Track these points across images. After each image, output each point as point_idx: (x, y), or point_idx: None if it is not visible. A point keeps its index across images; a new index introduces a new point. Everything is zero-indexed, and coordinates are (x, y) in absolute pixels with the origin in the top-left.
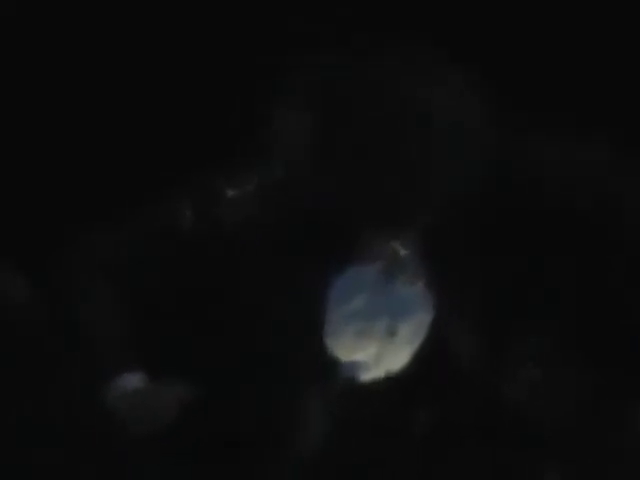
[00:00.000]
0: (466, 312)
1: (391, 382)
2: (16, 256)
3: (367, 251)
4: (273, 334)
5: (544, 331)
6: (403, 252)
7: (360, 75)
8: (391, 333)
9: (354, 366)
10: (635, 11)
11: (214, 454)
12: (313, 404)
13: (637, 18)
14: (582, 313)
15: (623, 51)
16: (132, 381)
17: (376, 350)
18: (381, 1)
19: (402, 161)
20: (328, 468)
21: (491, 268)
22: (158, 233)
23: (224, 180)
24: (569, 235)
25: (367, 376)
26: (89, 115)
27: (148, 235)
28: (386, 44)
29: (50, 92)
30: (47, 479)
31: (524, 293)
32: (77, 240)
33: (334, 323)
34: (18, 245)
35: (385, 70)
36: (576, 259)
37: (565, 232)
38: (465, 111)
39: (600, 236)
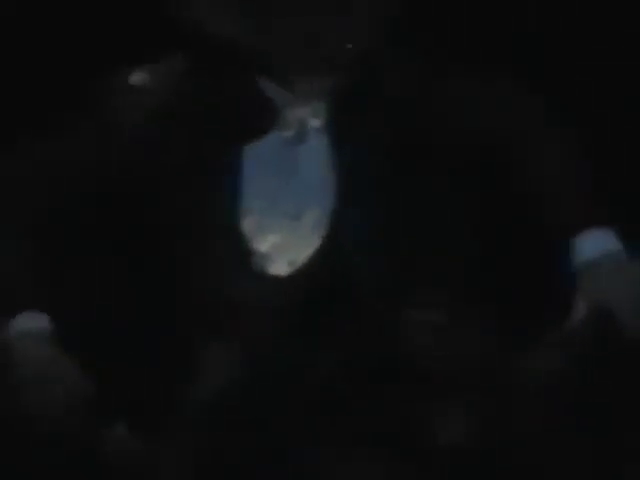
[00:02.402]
0: (367, 216)
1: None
2: None
3: (276, 120)
4: (189, 222)
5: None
6: (312, 122)
7: None
8: (296, 217)
9: (262, 257)
10: None
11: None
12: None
13: None
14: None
15: None
16: (31, 322)
17: (280, 237)
18: None
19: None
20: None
21: (401, 178)
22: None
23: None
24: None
25: (272, 269)
26: None
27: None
28: None
29: None
30: None
31: (431, 223)
32: None
33: (245, 202)
34: None
35: None
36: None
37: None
38: None
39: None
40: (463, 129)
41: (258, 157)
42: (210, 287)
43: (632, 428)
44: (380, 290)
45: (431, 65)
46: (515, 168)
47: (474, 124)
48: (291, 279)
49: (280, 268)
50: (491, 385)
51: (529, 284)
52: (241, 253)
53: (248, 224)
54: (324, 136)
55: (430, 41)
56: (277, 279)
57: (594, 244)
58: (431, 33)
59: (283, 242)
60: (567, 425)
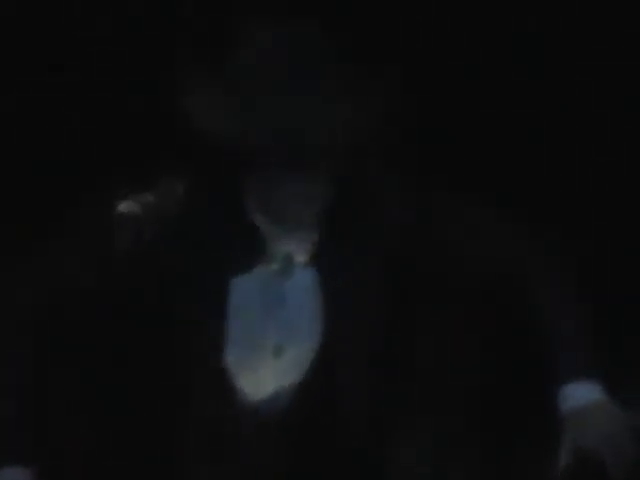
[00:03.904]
0: (352, 353)
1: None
2: None
3: (263, 253)
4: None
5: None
6: (298, 257)
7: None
8: (277, 354)
9: (242, 392)
10: None
11: None
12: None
13: None
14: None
15: None
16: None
17: (261, 373)
18: None
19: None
20: None
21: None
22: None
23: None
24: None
25: (251, 404)
26: None
27: None
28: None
29: None
30: None
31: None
32: None
33: (229, 336)
34: None
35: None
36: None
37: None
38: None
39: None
40: (457, 258)
41: (244, 290)
42: (194, 419)
43: None
44: (361, 433)
45: (416, 191)
46: (517, 305)
47: (471, 253)
48: (271, 416)
49: (259, 404)
50: None
51: (518, 428)
52: (223, 387)
53: (231, 358)
54: (310, 271)
55: (414, 165)
56: (256, 414)
57: (582, 393)
58: (415, 156)
59: (264, 378)
60: None
